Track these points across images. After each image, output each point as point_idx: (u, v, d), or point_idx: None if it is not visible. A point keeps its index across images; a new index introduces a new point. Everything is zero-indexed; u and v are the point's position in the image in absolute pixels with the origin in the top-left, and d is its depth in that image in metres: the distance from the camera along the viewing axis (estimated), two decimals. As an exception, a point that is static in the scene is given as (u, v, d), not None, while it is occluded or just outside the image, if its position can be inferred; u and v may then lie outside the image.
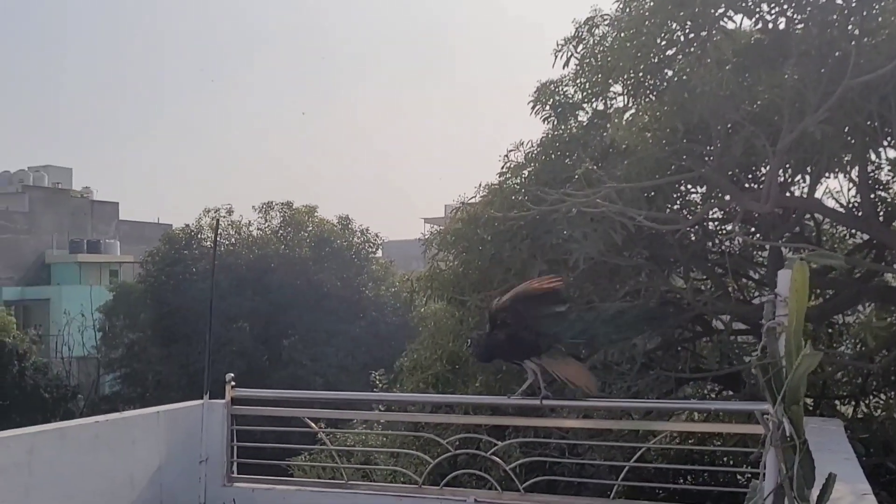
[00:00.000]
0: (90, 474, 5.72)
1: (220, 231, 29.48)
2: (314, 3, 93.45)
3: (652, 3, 7.12)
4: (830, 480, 2.84)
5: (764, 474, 3.27)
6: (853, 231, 9.54)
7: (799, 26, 6.84)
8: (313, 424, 6.86)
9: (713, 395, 9.34)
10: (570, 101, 9.02)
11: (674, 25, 6.98)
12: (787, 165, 7.90)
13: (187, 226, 30.42)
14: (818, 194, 8.49)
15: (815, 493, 2.86)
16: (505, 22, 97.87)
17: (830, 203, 8.83)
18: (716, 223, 9.09)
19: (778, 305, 3.09)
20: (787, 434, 2.92)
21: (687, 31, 7.00)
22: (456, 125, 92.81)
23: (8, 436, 5.34)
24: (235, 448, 6.67)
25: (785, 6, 6.77)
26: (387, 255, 34.86)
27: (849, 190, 8.47)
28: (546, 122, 9.08)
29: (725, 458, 8.88)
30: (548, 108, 9.04)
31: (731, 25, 7.07)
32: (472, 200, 8.82)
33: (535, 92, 9.13)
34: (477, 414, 7.18)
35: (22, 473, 5.21)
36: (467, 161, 79.46)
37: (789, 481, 2.86)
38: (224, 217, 30.07)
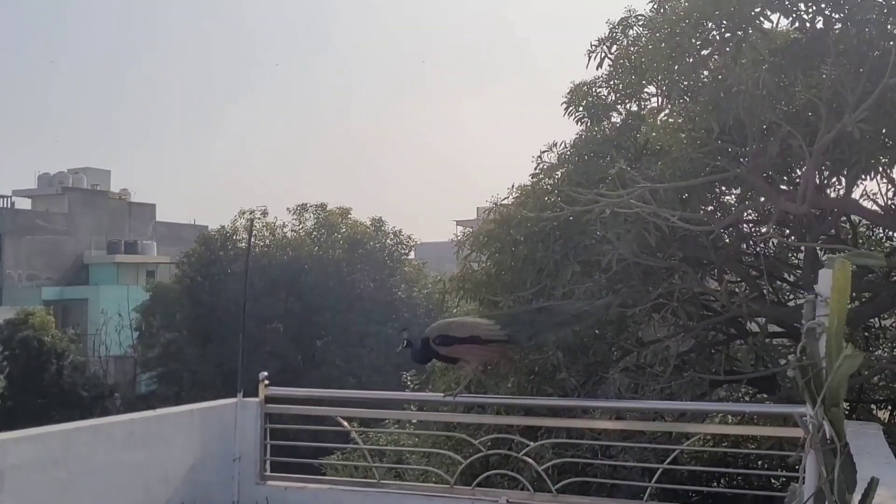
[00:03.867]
0: (124, 471, 5.77)
1: (254, 233, 29.66)
2: (347, 8, 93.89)
3: (687, 4, 7.05)
4: (873, 485, 2.77)
5: (803, 478, 3.22)
6: (890, 233, 9.41)
7: (837, 25, 6.74)
8: (346, 423, 6.88)
9: (747, 398, 9.24)
10: (604, 103, 8.99)
11: (709, 25, 6.91)
12: (824, 167, 7.79)
13: (223, 227, 30.64)
14: (855, 196, 8.38)
15: (856, 497, 2.79)
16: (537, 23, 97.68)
17: (867, 205, 8.72)
18: (750, 225, 8.99)
19: (818, 305, 3.04)
20: (828, 437, 2.87)
21: (723, 30, 6.92)
22: (490, 128, 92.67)
23: (44, 432, 5.40)
24: (269, 446, 6.69)
25: (822, 5, 6.67)
26: (419, 257, 34.87)
27: (886, 191, 8.35)
28: (580, 123, 9.05)
29: (760, 462, 8.78)
30: (581, 109, 9.02)
31: (767, 25, 6.99)
32: (505, 202, 8.80)
33: (568, 93, 9.11)
34: (509, 414, 7.15)
35: (58, 469, 5.26)
36: (501, 163, 79.28)
37: (829, 485, 2.80)
38: (259, 219, 30.29)
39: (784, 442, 6.52)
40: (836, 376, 2.85)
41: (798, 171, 8.15)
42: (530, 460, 6.39)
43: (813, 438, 2.93)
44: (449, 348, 6.02)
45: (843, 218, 8.97)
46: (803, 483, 3.13)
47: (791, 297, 9.88)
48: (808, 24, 6.90)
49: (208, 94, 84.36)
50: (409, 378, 14.92)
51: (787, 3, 6.71)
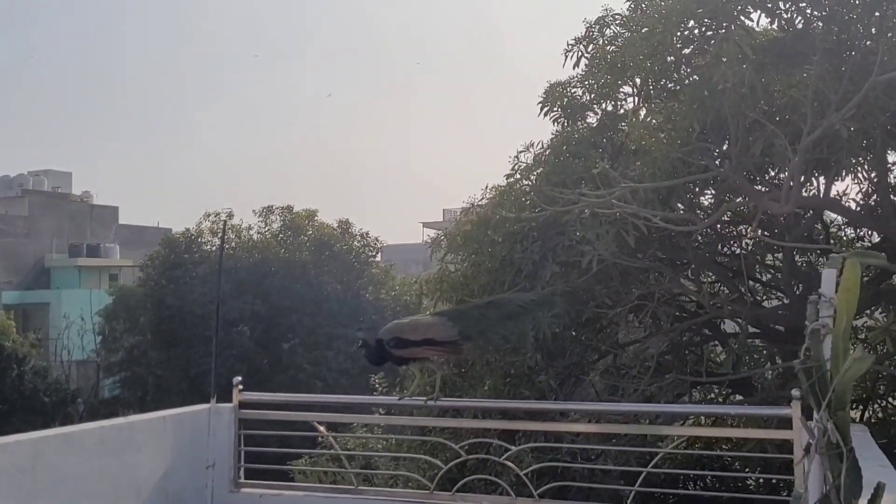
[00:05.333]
0: (95, 480, 5.59)
1: (222, 233, 29.32)
2: (308, 12, 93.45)
3: (667, 2, 7.00)
4: (880, 490, 2.70)
5: (795, 482, 3.14)
6: (861, 233, 9.46)
7: (816, 24, 6.73)
8: (321, 428, 6.74)
9: (720, 400, 9.23)
10: (580, 102, 8.92)
11: (691, 23, 6.86)
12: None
13: (187, 230, 30.24)
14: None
15: (862, 503, 2.72)
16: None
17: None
18: (727, 225, 8.97)
19: (821, 306, 2.97)
20: (833, 441, 2.79)
21: (704, 28, 6.88)
22: (454, 130, 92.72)
23: (12, 441, 5.21)
24: (243, 453, 6.53)
25: (802, 4, 6.65)
26: (386, 259, 34.71)
27: (858, 191, 8.39)
28: (556, 123, 8.98)
29: (737, 464, 8.76)
30: (557, 108, 8.94)
31: (748, 23, 6.96)
32: (481, 202, 8.71)
33: (544, 93, 9.03)
34: (486, 418, 7.05)
35: (27, 479, 5.07)
36: (463, 168, 79.35)
37: (836, 491, 2.72)
38: (225, 221, 29.93)
39: (766, 443, 6.48)
40: (844, 379, 2.77)
41: (773, 170, 8.15)
42: (510, 464, 6.29)
43: (819, 443, 2.85)
44: (404, 350, 5.94)
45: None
46: (807, 490, 3.04)
47: (764, 297, 9.89)
48: (786, 24, 6.88)
49: (173, 95, 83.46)
50: (377, 381, 14.75)
51: (767, 2, 6.69)
